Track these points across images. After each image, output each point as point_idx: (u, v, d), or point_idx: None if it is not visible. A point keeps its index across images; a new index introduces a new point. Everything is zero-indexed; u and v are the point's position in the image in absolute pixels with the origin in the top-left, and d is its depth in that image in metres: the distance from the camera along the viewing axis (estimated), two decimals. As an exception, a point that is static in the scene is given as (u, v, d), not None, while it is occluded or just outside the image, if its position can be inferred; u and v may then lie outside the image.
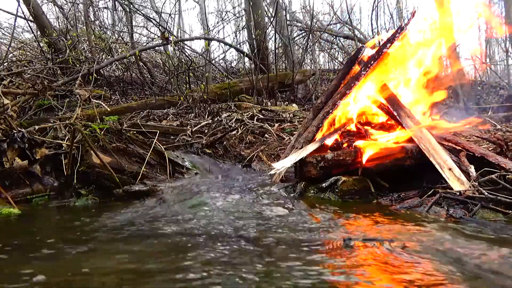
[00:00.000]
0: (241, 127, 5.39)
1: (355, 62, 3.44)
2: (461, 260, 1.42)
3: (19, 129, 3.34)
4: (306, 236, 1.79)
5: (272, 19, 8.56)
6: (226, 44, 10.28)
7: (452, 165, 2.54)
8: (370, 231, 1.85)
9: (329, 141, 3.10)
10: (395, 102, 3.13)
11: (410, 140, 2.88)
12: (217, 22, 13.07)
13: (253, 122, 5.59)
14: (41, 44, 7.82)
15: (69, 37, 7.86)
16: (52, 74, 7.07)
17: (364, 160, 2.74)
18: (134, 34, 9.56)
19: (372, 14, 8.89)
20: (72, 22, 8.76)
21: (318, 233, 1.86)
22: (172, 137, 4.87)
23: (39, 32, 7.97)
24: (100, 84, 7.68)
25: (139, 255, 1.61)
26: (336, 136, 3.16)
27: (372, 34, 9.40)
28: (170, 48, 8.70)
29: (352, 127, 3.26)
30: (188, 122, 5.79)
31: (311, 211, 2.35)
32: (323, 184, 2.74)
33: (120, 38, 10.26)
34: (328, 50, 11.42)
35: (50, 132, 3.91)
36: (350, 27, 10.69)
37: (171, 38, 7.56)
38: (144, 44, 10.13)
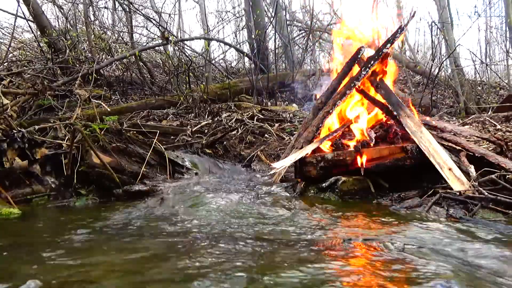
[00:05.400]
0: (241, 127, 5.39)
1: (355, 62, 3.44)
2: (461, 260, 1.42)
3: (19, 129, 3.33)
4: (305, 236, 1.79)
5: (272, 19, 8.56)
6: (226, 44, 10.28)
7: (452, 165, 2.54)
8: (370, 231, 1.85)
9: (328, 142, 3.10)
10: (395, 101, 3.13)
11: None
12: (217, 22, 13.06)
13: (253, 122, 5.58)
14: (41, 44, 7.81)
15: (69, 37, 7.85)
16: (52, 74, 7.07)
17: (361, 160, 2.74)
18: (134, 34, 9.53)
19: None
20: (72, 22, 8.75)
21: (317, 233, 1.86)
22: (172, 137, 4.87)
23: (39, 32, 7.96)
24: (100, 84, 7.67)
25: (138, 255, 1.60)
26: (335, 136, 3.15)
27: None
28: (170, 48, 8.70)
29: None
30: (188, 122, 5.79)
31: (311, 211, 2.35)
32: (323, 184, 2.74)
33: (120, 38, 10.25)
34: (328, 50, 11.40)
35: (50, 132, 3.91)
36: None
37: (171, 38, 7.56)
38: (144, 44, 10.10)
